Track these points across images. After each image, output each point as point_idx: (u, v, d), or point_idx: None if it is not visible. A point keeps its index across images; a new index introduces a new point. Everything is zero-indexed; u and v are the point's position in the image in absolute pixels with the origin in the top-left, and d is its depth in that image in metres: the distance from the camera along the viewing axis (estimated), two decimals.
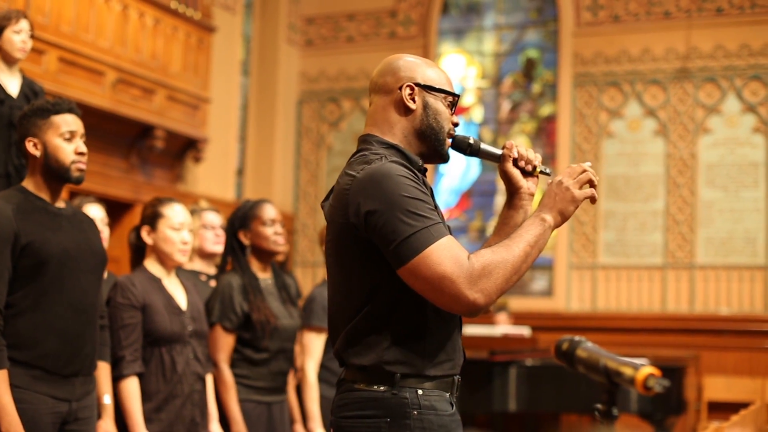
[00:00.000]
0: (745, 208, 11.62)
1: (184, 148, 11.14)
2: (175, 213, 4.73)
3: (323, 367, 5.76)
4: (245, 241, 5.20)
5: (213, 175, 11.80)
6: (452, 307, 2.75)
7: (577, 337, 2.08)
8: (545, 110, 12.90)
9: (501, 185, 12.59)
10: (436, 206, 2.89)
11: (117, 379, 4.50)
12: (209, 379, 4.86)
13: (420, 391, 2.83)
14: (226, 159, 12.22)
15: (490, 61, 13.25)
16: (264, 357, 5.07)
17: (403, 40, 13.27)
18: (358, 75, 13.46)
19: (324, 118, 13.60)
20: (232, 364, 5.05)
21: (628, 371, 1.91)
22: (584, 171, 2.91)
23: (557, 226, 2.87)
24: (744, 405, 9.25)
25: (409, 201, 2.75)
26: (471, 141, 3.10)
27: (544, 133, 12.85)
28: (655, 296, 11.78)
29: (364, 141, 3.01)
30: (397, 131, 3.01)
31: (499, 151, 3.10)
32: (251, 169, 13.28)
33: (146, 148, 10.51)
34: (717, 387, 11.28)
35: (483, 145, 3.11)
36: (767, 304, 11.39)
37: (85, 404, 4.02)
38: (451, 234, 2.86)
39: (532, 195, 3.13)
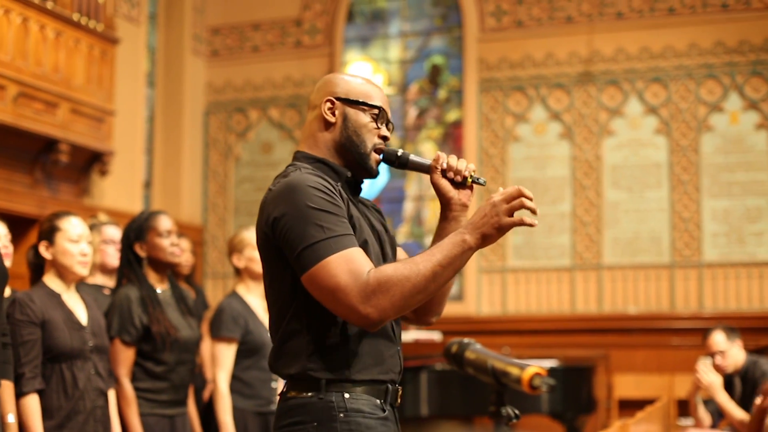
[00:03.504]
0: (649, 209, 11.80)
1: (90, 162, 11.00)
2: (72, 226, 4.68)
3: (235, 378, 5.73)
4: (141, 253, 5.16)
5: (120, 189, 11.68)
6: (348, 319, 2.78)
7: (465, 340, 2.10)
8: (451, 116, 12.97)
9: (410, 191, 12.67)
10: (350, 216, 2.89)
11: (17, 396, 4.43)
12: (112, 395, 4.81)
13: (347, 395, 2.85)
14: (133, 172, 12.10)
15: (396, 68, 13.31)
16: (165, 369, 5.04)
17: (308, 48, 13.27)
18: (264, 85, 13.42)
19: (231, 128, 13.54)
20: (134, 378, 5.01)
21: (514, 371, 1.93)
22: (519, 196, 2.81)
23: (478, 248, 2.81)
24: (653, 401, 9.39)
25: (314, 212, 2.77)
26: (399, 153, 3.11)
27: (451, 138, 12.92)
28: (564, 297, 11.91)
29: (294, 157, 3.08)
30: (321, 145, 3.06)
31: (428, 162, 3.09)
32: (159, 181, 13.17)
33: (50, 162, 10.36)
34: (626, 385, 11.43)
35: (412, 157, 3.11)
36: (673, 302, 11.58)
37: None
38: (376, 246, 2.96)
39: (465, 206, 3.11)
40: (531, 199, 2.81)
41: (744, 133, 11.61)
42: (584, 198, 11.98)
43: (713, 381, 6.96)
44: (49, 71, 10.19)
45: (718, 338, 7.24)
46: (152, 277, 5.17)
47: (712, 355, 7.25)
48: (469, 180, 3.05)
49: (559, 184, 12.02)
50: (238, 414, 5.65)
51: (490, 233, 2.79)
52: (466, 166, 3.06)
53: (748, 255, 11.44)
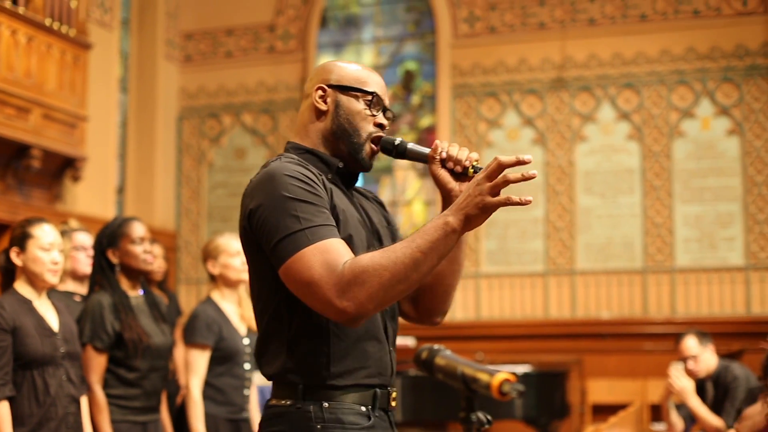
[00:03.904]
0: (622, 214, 11.85)
1: (62, 167, 10.96)
2: (44, 233, 4.66)
3: (208, 385, 5.72)
4: (114, 259, 5.14)
5: (92, 194, 11.63)
6: (326, 314, 2.62)
7: (436, 346, 2.10)
8: (425, 121, 13.00)
9: (384, 197, 12.67)
10: (333, 207, 2.74)
11: None
12: (84, 401, 4.79)
13: (326, 404, 2.70)
14: (106, 177, 12.05)
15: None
16: (137, 376, 5.03)
17: (282, 54, 13.27)
18: (237, 90, 13.40)
19: (204, 134, 13.52)
20: (106, 384, 4.99)
21: (484, 377, 1.93)
22: (501, 170, 2.59)
23: (464, 231, 2.60)
24: (626, 406, 9.43)
25: (290, 202, 2.64)
26: (397, 142, 2.94)
27: (425, 144, 12.90)
28: (538, 303, 11.94)
29: (285, 149, 2.96)
30: (312, 134, 2.93)
31: (426, 151, 2.90)
32: (132, 186, 13.12)
33: (23, 168, 10.31)
34: (600, 390, 11.47)
35: (410, 145, 2.94)
36: (646, 307, 11.63)
37: None
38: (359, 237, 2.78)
39: None
40: (522, 169, 2.61)
41: (715, 138, 11.68)
42: (557, 203, 12.02)
43: (685, 386, 6.98)
44: (21, 76, 10.14)
45: (690, 343, 7.27)
46: (125, 283, 5.16)
47: (684, 359, 7.28)
48: (471, 170, 2.83)
49: (532, 189, 12.05)
50: (209, 420, 5.64)
51: (474, 213, 2.57)
52: (467, 155, 2.85)
53: (720, 260, 11.51)
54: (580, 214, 11.98)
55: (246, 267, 5.99)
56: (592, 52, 12.14)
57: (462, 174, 2.85)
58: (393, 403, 2.86)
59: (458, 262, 2.97)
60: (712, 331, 7.87)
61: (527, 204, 2.58)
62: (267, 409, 2.81)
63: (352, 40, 13.47)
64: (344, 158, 2.91)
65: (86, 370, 4.89)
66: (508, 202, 2.57)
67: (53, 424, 4.51)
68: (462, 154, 2.84)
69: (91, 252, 5.47)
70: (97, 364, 4.95)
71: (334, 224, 2.69)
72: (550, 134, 12.13)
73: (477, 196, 2.56)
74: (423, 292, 2.97)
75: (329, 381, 2.71)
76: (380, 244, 2.85)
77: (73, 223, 5.96)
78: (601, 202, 11.94)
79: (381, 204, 3.12)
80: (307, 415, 2.69)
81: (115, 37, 12.36)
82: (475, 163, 2.84)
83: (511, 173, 2.58)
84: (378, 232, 2.92)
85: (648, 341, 11.47)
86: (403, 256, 2.55)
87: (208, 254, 5.94)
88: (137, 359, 5.00)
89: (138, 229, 5.19)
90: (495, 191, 2.57)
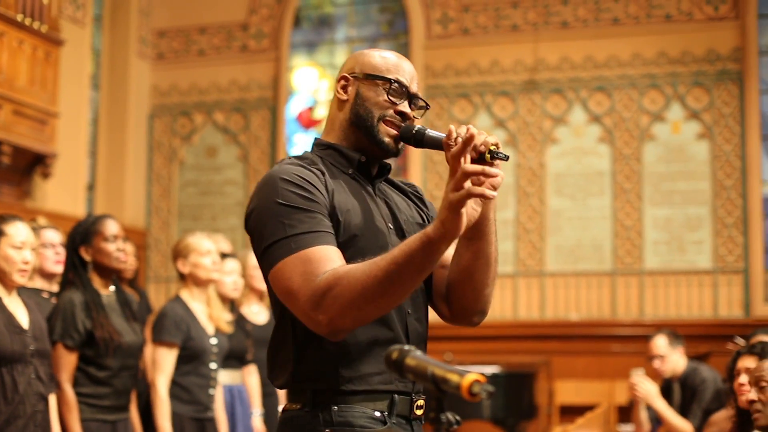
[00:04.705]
0: (592, 216, 11.91)
1: (32, 164, 10.91)
2: (17, 231, 4.62)
3: (175, 383, 5.71)
4: (87, 257, 5.12)
5: (62, 191, 11.57)
6: (308, 326, 2.53)
7: (406, 347, 2.11)
8: None
9: None
10: (333, 207, 2.61)
11: None
12: (53, 399, 4.77)
13: (335, 408, 2.60)
14: (76, 174, 12.00)
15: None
16: (107, 374, 5.02)
17: (255, 53, 13.26)
18: (209, 88, 13.38)
19: (176, 132, 13.48)
20: (76, 383, 4.97)
21: (454, 378, 1.94)
22: (458, 159, 2.41)
23: (444, 238, 2.40)
24: (593, 407, 9.48)
25: (279, 208, 2.56)
26: (415, 129, 2.76)
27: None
28: (507, 304, 11.97)
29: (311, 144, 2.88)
30: (336, 128, 2.84)
31: (443, 137, 2.66)
32: (102, 184, 13.08)
33: None
34: (567, 391, 11.51)
35: (429, 132, 2.75)
36: (614, 309, 11.69)
37: None
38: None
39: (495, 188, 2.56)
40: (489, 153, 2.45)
41: (685, 142, 11.75)
42: (527, 205, 12.06)
43: (649, 390, 7.00)
44: None
45: (660, 342, 7.32)
46: (97, 281, 5.14)
47: (651, 358, 7.32)
48: (488, 156, 2.55)
49: (503, 191, 12.07)
50: (175, 419, 5.64)
51: (444, 216, 2.38)
52: (483, 139, 2.55)
53: (688, 263, 11.58)
54: (551, 216, 12.03)
55: (215, 267, 5.98)
56: (565, 54, 12.19)
57: (479, 160, 2.55)
58: (418, 411, 2.71)
59: (485, 256, 2.72)
60: (679, 333, 7.92)
61: (492, 193, 2.39)
62: (282, 413, 2.73)
63: (326, 40, 13.47)
64: (367, 149, 2.80)
65: (56, 368, 4.87)
66: (470, 194, 2.36)
67: (21, 422, 4.48)
68: (478, 139, 2.54)
69: (60, 250, 5.45)
70: (68, 362, 4.94)
71: (328, 229, 2.59)
72: (521, 136, 12.17)
73: (444, 198, 2.40)
74: (452, 291, 2.80)
75: (340, 386, 2.61)
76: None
77: (42, 221, 5.93)
78: (572, 204, 11.99)
79: (419, 197, 2.98)
80: (316, 419, 2.61)
81: (87, 34, 12.31)
82: (492, 148, 2.56)
83: (465, 167, 2.39)
84: (402, 229, 2.77)
85: (616, 343, 11.53)
86: (377, 269, 2.43)
87: (179, 253, 5.93)
88: (108, 358, 4.99)
89: (111, 227, 5.18)
90: (458, 186, 2.38)
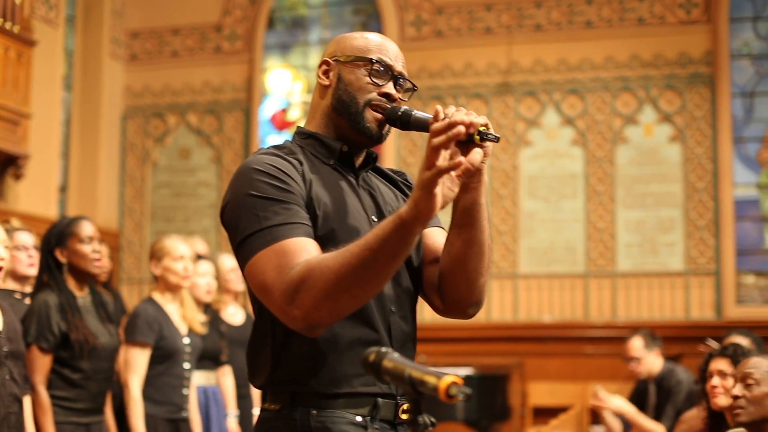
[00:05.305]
0: (565, 219, 11.94)
1: (4, 165, 10.83)
2: None
3: (148, 384, 5.70)
4: (62, 259, 5.10)
5: (35, 193, 11.50)
6: (284, 322, 2.42)
7: (383, 348, 2.10)
8: None
9: None
10: (310, 200, 2.51)
11: None
12: (27, 401, 4.75)
13: (314, 411, 2.50)
14: (49, 176, 11.93)
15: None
16: (82, 377, 5.00)
17: (228, 54, 13.22)
18: (183, 90, 13.34)
19: (149, 133, 13.44)
20: (50, 385, 4.95)
21: (431, 380, 1.95)
22: (435, 136, 2.29)
23: (417, 219, 2.27)
24: (566, 409, 9.51)
25: (253, 200, 2.46)
26: (401, 111, 2.64)
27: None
28: None
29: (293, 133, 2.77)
30: (318, 116, 2.74)
31: (429, 117, 2.54)
32: (75, 185, 13.01)
33: None
34: (541, 393, 11.53)
35: (415, 113, 2.64)
36: (587, 311, 11.72)
37: None
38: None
39: (477, 169, 2.47)
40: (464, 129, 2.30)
41: (658, 145, 11.81)
42: (501, 207, 12.08)
43: (619, 405, 7.00)
44: None
45: (636, 344, 7.37)
46: (72, 283, 5.12)
47: (627, 359, 7.37)
48: (477, 137, 2.41)
49: None
50: (148, 420, 5.63)
51: (417, 196, 2.26)
52: (471, 120, 2.41)
53: (661, 265, 11.63)
54: (524, 218, 12.06)
55: (186, 273, 5.97)
56: (538, 57, 12.22)
57: (468, 142, 2.43)
58: (404, 416, 2.60)
59: (478, 244, 2.60)
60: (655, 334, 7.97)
61: (464, 169, 2.31)
62: (260, 412, 2.64)
63: (299, 42, 13.46)
64: (350, 137, 2.70)
65: (31, 371, 4.85)
66: (440, 171, 2.25)
67: None
68: (466, 120, 2.41)
69: (33, 252, 5.42)
70: (42, 364, 4.92)
71: (305, 221, 2.49)
72: None
73: (417, 177, 2.29)
74: (445, 282, 2.68)
75: (319, 388, 2.51)
76: None
77: (15, 223, 5.91)
78: (545, 207, 12.02)
79: (409, 186, 2.87)
80: (293, 422, 2.51)
81: (59, 35, 12.24)
82: (482, 129, 2.43)
83: (434, 140, 2.30)
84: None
85: (589, 345, 11.56)
86: (350, 256, 2.31)
87: (153, 255, 5.93)
88: (83, 360, 4.97)
89: (87, 229, 5.16)
90: (429, 164, 2.27)
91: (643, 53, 11.93)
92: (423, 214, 2.27)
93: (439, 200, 2.28)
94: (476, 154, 2.41)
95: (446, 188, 2.42)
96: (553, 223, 11.97)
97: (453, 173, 2.37)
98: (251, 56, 13.16)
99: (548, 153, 12.11)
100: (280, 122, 13.29)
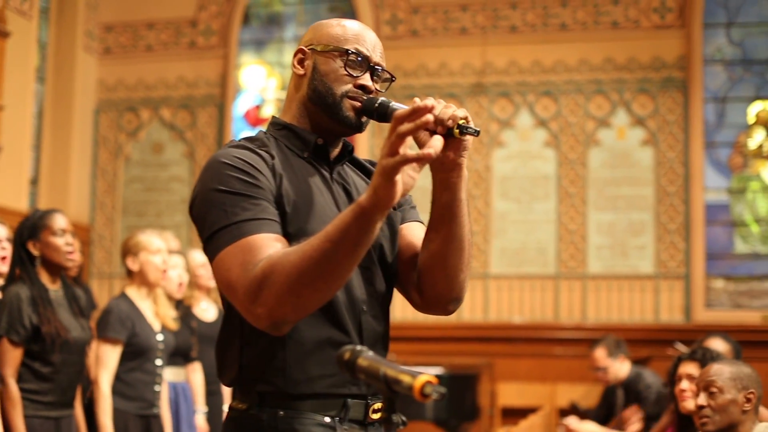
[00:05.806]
0: (536, 220, 11.98)
1: None
2: None
3: (118, 380, 5.68)
4: (34, 251, 5.08)
5: (5, 185, 11.42)
6: (249, 321, 2.37)
7: (358, 347, 2.10)
8: None
9: None
10: (280, 195, 2.44)
11: None
12: None
13: (281, 413, 2.44)
14: (20, 168, 11.85)
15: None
16: (51, 370, 4.98)
17: (203, 50, 13.19)
18: (157, 84, 13.29)
19: (122, 127, 13.38)
20: (20, 378, 4.93)
21: (406, 379, 1.95)
22: (395, 126, 2.20)
23: (377, 207, 2.21)
24: (535, 410, 9.54)
25: (219, 195, 2.40)
26: (378, 102, 2.58)
27: None
28: None
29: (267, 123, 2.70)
30: (293, 106, 2.67)
31: None
32: (46, 178, 12.94)
33: None
34: (510, 393, 11.56)
35: (393, 104, 2.57)
36: (557, 312, 11.76)
37: None
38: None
39: (456, 164, 2.47)
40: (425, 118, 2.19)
41: (630, 148, 11.87)
42: (473, 208, 12.10)
43: (590, 429, 7.00)
44: None
45: (599, 355, 7.46)
46: (44, 276, 5.10)
47: (594, 369, 7.43)
48: (456, 131, 2.36)
49: None
50: (118, 416, 5.60)
51: (377, 183, 2.19)
52: (451, 113, 2.38)
53: (631, 268, 11.69)
54: (496, 218, 12.09)
55: (164, 266, 5.95)
56: (512, 58, 12.26)
57: (447, 135, 2.38)
58: (374, 416, 2.55)
59: (457, 239, 2.56)
60: (620, 337, 8.01)
61: (428, 158, 2.21)
62: (228, 411, 2.59)
63: (274, 39, 13.44)
64: (326, 127, 2.63)
65: (1, 364, 4.82)
66: (405, 159, 2.17)
67: None
68: (446, 112, 2.38)
69: (6, 245, 5.39)
70: (13, 357, 4.89)
71: (273, 217, 2.43)
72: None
73: (378, 163, 2.22)
74: (424, 278, 2.64)
75: (287, 389, 2.45)
76: None
77: None
78: (517, 208, 12.06)
79: None
80: (260, 423, 2.46)
81: (33, 26, 12.16)
82: (461, 122, 2.38)
83: (400, 128, 2.20)
84: None
85: (558, 346, 11.61)
86: (311, 249, 2.24)
87: (129, 250, 5.90)
88: (54, 353, 4.95)
89: (60, 221, 5.14)
90: (392, 151, 2.19)
91: (617, 57, 11.98)
92: (383, 202, 2.21)
93: (399, 188, 2.22)
94: (437, 140, 2.31)
95: (407, 176, 2.30)
96: (525, 224, 12.01)
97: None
98: (226, 52, 13.13)
99: (521, 154, 12.15)
100: (253, 118, 13.26)
